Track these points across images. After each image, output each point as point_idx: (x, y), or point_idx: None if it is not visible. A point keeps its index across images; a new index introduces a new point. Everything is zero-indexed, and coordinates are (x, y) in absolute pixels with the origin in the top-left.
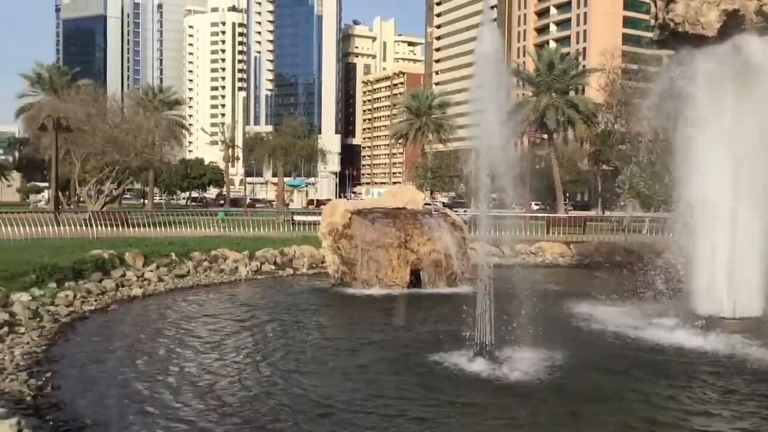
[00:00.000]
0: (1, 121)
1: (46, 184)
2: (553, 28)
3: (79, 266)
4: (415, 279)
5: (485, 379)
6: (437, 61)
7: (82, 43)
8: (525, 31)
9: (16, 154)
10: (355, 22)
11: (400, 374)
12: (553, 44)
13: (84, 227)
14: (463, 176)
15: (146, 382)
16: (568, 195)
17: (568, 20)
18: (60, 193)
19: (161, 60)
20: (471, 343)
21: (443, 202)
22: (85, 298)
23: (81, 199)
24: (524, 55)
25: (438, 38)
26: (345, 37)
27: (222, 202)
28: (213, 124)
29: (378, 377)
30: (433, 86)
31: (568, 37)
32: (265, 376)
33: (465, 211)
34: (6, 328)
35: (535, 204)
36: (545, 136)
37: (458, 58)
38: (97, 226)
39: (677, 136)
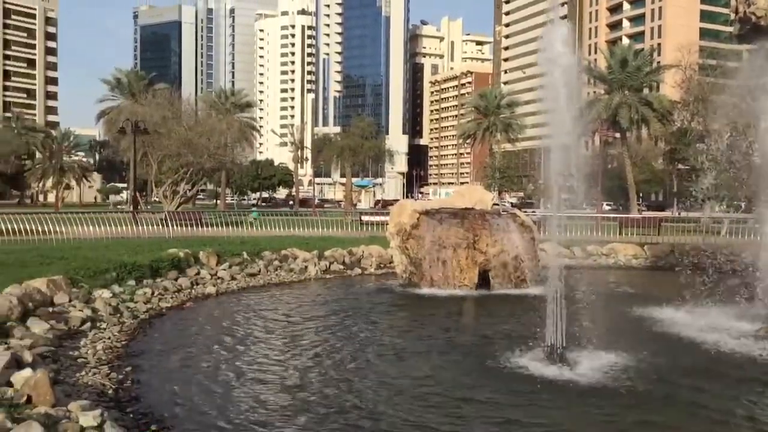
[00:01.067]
0: (84, 125)
1: (125, 185)
2: (626, 23)
3: (157, 264)
4: (484, 280)
5: (556, 383)
6: (506, 59)
7: (158, 49)
8: (596, 27)
9: (97, 156)
10: (423, 23)
11: (470, 377)
12: (626, 40)
13: (160, 227)
14: (532, 176)
15: (221, 377)
16: (641, 195)
17: (642, 16)
18: (138, 194)
19: (233, 63)
20: (541, 346)
21: (512, 203)
22: (162, 296)
23: (157, 200)
24: (596, 52)
25: (507, 37)
26: (412, 38)
27: (291, 202)
28: (283, 126)
29: (447, 379)
30: (502, 85)
31: (642, 33)
32: (333, 375)
33: (534, 212)
34: (89, 324)
35: (607, 204)
36: (617, 134)
37: (527, 56)
38: (172, 225)
39: (760, 134)
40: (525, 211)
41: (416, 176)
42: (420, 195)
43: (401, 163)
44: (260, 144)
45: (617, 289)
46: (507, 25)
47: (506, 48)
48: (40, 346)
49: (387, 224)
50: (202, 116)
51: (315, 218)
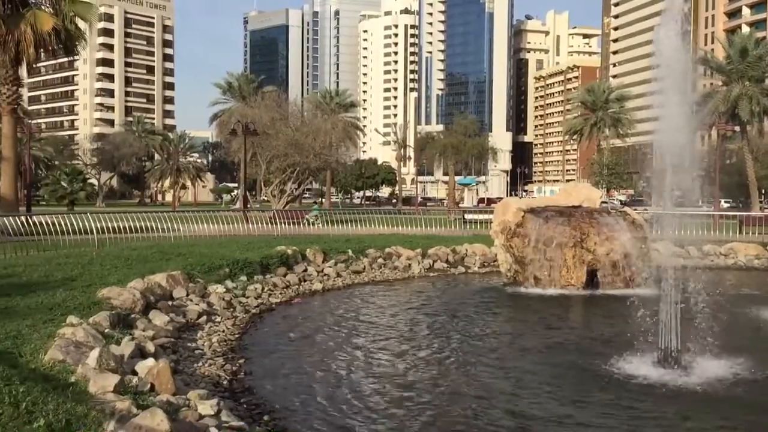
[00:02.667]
0: (198, 127)
1: (236, 185)
2: (746, 11)
3: (266, 261)
4: (591, 280)
5: (669, 388)
6: (615, 52)
7: (266, 52)
8: (713, 16)
9: (210, 157)
10: (527, 17)
11: (578, 380)
12: (745, 29)
13: (269, 225)
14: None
15: (330, 371)
16: (763, 192)
17: (764, 2)
18: (248, 193)
19: (338, 65)
20: (653, 349)
21: (621, 200)
22: (272, 291)
23: (265, 199)
24: (712, 42)
25: (616, 29)
26: (516, 33)
27: (394, 201)
28: (386, 125)
29: (555, 382)
30: (610, 79)
31: (764, 21)
32: (435, 372)
33: (645, 210)
34: (204, 317)
35: (725, 202)
36: (737, 128)
37: (638, 48)
38: (280, 223)
39: None
40: (635, 209)
41: (520, 174)
42: (524, 193)
43: (505, 161)
44: (364, 143)
45: (737, 290)
46: (616, 17)
47: (615, 40)
48: (161, 337)
49: (491, 222)
50: (308, 117)
51: (418, 216)
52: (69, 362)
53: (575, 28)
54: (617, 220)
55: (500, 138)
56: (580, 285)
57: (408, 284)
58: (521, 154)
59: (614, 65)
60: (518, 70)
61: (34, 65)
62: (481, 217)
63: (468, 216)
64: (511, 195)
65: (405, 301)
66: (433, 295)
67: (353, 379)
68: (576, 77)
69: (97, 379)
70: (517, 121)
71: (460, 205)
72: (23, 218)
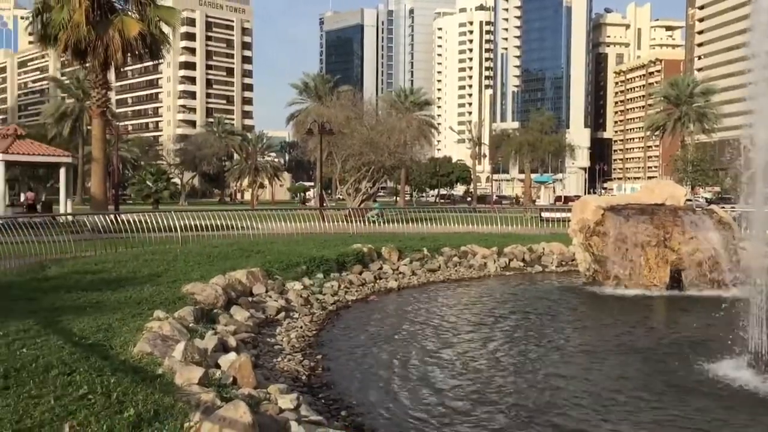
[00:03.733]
0: (276, 127)
1: (312, 184)
2: None
3: (342, 259)
4: (675, 280)
5: (761, 396)
6: (699, 45)
7: (341, 52)
8: None
9: (287, 156)
10: (607, 10)
11: (664, 384)
12: None
13: (344, 223)
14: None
15: (406, 368)
16: None
17: None
18: (323, 192)
19: (412, 63)
20: (743, 353)
21: (706, 198)
22: (348, 289)
23: (341, 197)
24: None
25: (701, 20)
26: (595, 27)
27: (469, 199)
28: (460, 123)
29: (639, 386)
30: (695, 72)
31: None
32: (516, 375)
33: (733, 208)
34: (283, 313)
35: None
36: None
37: (725, 40)
38: (355, 222)
39: None
40: (722, 207)
41: (599, 171)
42: (603, 190)
43: (583, 158)
44: (438, 141)
45: None
46: (701, 8)
47: (700, 32)
48: (242, 332)
49: (568, 221)
50: (383, 116)
51: (493, 215)
52: (156, 355)
53: (657, 20)
54: (703, 218)
55: (578, 134)
56: (663, 286)
57: (483, 283)
58: (600, 150)
59: (699, 58)
60: (597, 64)
61: (121, 69)
62: (558, 215)
63: (545, 214)
64: (589, 193)
65: (480, 299)
66: (509, 294)
67: (429, 377)
68: (658, 71)
69: (182, 372)
70: (596, 117)
71: (536, 203)
72: (112, 216)
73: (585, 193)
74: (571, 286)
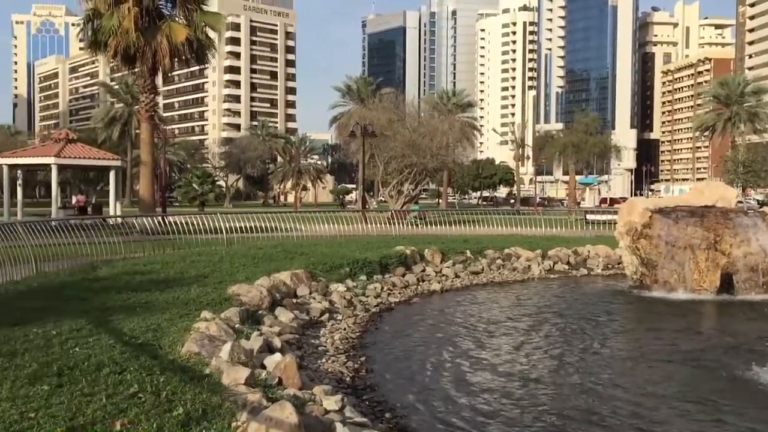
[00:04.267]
0: (319, 130)
1: (354, 186)
2: None
3: (385, 261)
4: (727, 284)
5: None
6: (750, 43)
7: (384, 55)
8: None
9: (329, 158)
10: (654, 9)
11: (719, 392)
12: None
13: (386, 225)
14: None
15: (449, 371)
16: None
17: None
18: (366, 194)
19: (454, 65)
20: None
21: (758, 200)
22: (391, 291)
23: (383, 199)
24: None
25: (752, 18)
26: (642, 26)
27: (512, 201)
28: (503, 124)
29: (693, 396)
30: (746, 71)
31: None
32: (562, 380)
33: None
34: (327, 315)
35: None
36: None
37: None
38: (397, 224)
39: None
40: None
41: (646, 173)
42: (650, 192)
43: (629, 159)
44: (481, 143)
45: None
46: (752, 5)
47: (751, 30)
48: (287, 333)
49: (614, 223)
50: (425, 118)
51: (537, 217)
52: (204, 355)
53: (707, 18)
54: (755, 220)
55: (624, 135)
56: (714, 290)
57: (527, 286)
58: (647, 151)
59: (750, 56)
60: (644, 64)
61: (168, 74)
62: (603, 217)
63: (590, 216)
64: (635, 194)
65: (525, 302)
66: (553, 297)
67: (473, 380)
68: (707, 70)
69: (229, 372)
70: (643, 117)
71: (580, 205)
72: (159, 218)
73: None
74: (617, 289)
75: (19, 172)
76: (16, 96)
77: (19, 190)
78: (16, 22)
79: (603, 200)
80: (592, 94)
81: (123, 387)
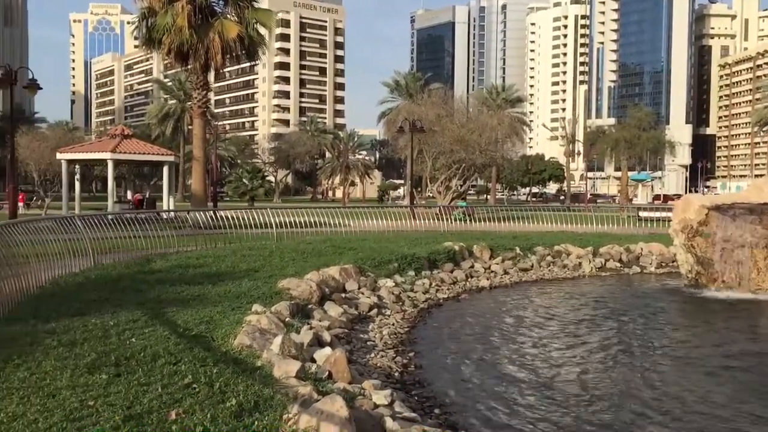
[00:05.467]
0: (367, 125)
1: (402, 182)
2: None
3: (434, 257)
4: None
5: None
6: None
7: (432, 50)
8: None
9: (377, 154)
10: (711, 1)
11: None
12: None
13: (434, 221)
14: None
15: (498, 368)
16: None
17: None
18: (414, 190)
19: (504, 59)
20: None
21: None
22: (439, 287)
23: (431, 195)
24: None
25: None
26: (698, 18)
27: (562, 197)
28: (553, 120)
29: (743, 399)
30: None
31: None
32: (613, 382)
33: None
34: (375, 310)
35: None
36: None
37: None
38: (445, 219)
39: None
40: None
41: (701, 169)
42: (706, 189)
43: (683, 155)
44: (530, 139)
45: None
46: None
47: None
48: (336, 327)
49: (668, 220)
50: (474, 113)
51: (588, 214)
52: (255, 347)
53: (767, 10)
54: None
55: (679, 131)
56: None
57: (578, 283)
58: (702, 147)
59: None
60: (700, 57)
61: (220, 71)
62: (657, 214)
63: (643, 213)
64: (690, 191)
65: (575, 300)
66: (605, 295)
67: (522, 378)
68: (767, 63)
69: (280, 365)
70: (698, 112)
71: (633, 202)
72: (211, 213)
73: (686, 192)
74: (671, 288)
75: (77, 166)
76: (73, 93)
77: (77, 184)
78: (74, 21)
79: (656, 197)
80: (645, 89)
81: (178, 377)
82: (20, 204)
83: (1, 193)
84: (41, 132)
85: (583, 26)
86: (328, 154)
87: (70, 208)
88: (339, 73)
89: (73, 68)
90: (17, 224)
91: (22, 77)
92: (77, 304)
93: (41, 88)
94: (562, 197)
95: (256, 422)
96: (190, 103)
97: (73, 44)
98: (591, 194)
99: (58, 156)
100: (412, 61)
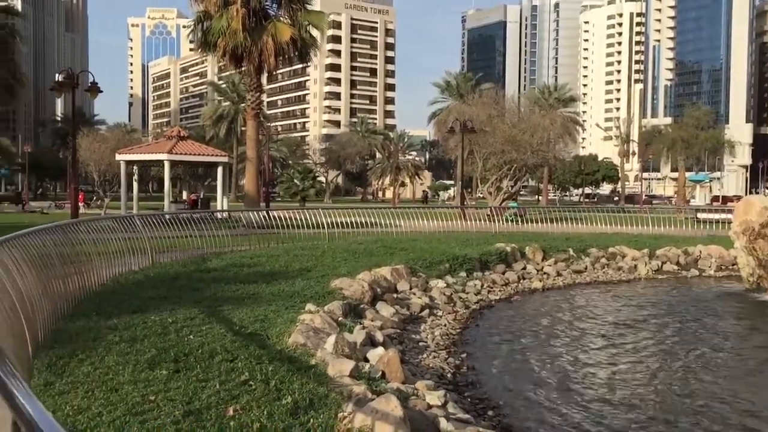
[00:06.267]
0: (417, 126)
1: (452, 182)
2: None
3: (485, 258)
4: None
5: None
6: None
7: (483, 50)
8: None
9: (427, 155)
10: None
11: None
12: None
13: (485, 222)
14: None
15: (551, 371)
16: None
17: None
18: (464, 191)
19: (556, 59)
20: None
21: None
22: (491, 288)
23: (481, 196)
24: None
25: None
26: (759, 15)
27: (616, 198)
28: (607, 119)
29: None
30: None
31: None
32: (667, 387)
33: None
34: (427, 311)
35: None
36: None
37: None
38: (497, 220)
39: None
40: None
41: (762, 169)
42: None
43: (744, 155)
44: (583, 139)
45: None
46: None
47: None
48: (388, 328)
49: (728, 222)
50: (526, 113)
51: (643, 215)
52: (309, 346)
53: None
54: None
55: (739, 130)
56: None
57: (634, 286)
58: (763, 147)
59: None
60: (761, 55)
61: (273, 73)
62: (716, 216)
63: (701, 215)
64: (750, 192)
65: (631, 303)
66: (662, 298)
67: (576, 382)
68: None
69: (334, 364)
70: (759, 111)
71: (690, 204)
72: (264, 213)
73: (746, 193)
74: (731, 292)
75: (135, 167)
76: (131, 95)
77: (135, 184)
78: (132, 25)
79: (715, 198)
80: (703, 87)
81: (234, 374)
82: (80, 204)
83: (62, 193)
84: (101, 134)
85: (638, 24)
86: (378, 155)
87: (128, 207)
88: (389, 74)
89: (131, 71)
90: (79, 223)
91: (84, 81)
92: (137, 302)
93: (102, 91)
94: (615, 198)
95: (311, 420)
96: (243, 104)
97: (131, 48)
98: (646, 195)
99: (117, 157)
100: (463, 61)
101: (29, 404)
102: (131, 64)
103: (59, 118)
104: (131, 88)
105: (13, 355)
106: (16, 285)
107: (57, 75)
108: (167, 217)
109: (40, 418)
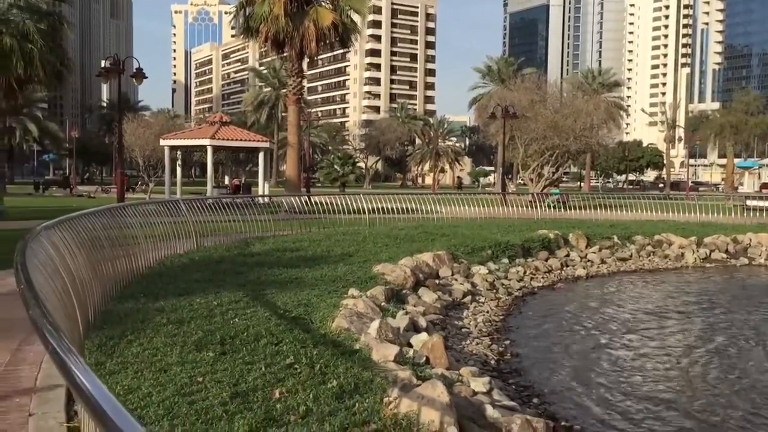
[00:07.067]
0: (456, 112)
1: (492, 168)
2: None
3: (528, 245)
4: None
5: None
6: None
7: (525, 34)
8: None
9: (467, 141)
10: None
11: None
12: None
13: (527, 208)
14: None
15: (596, 360)
16: None
17: None
18: (505, 177)
19: (600, 43)
20: None
21: None
22: (534, 275)
23: (522, 182)
24: None
25: None
26: None
27: (661, 185)
28: (652, 105)
29: None
30: None
31: None
32: (716, 378)
33: None
34: (469, 297)
35: None
36: None
37: None
38: (538, 207)
39: None
40: None
41: None
42: None
43: None
44: (627, 124)
45: None
46: None
47: None
48: (431, 313)
49: None
50: (568, 98)
51: (690, 202)
52: (353, 331)
53: None
54: None
55: None
56: None
57: (681, 274)
58: None
59: None
60: None
61: (314, 58)
62: (766, 204)
63: (750, 202)
64: None
65: (679, 292)
66: (711, 287)
67: (620, 370)
68: None
69: (378, 348)
70: None
71: (738, 190)
72: (305, 198)
73: None
74: None
75: (178, 152)
76: (174, 81)
77: (179, 169)
78: (175, 12)
79: (764, 185)
80: (753, 71)
81: (280, 357)
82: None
83: (108, 178)
84: (145, 119)
85: (686, 6)
86: (418, 141)
87: (172, 192)
88: (430, 59)
89: (174, 58)
90: (126, 207)
91: (129, 67)
92: (183, 284)
93: (147, 77)
94: (661, 185)
95: (356, 404)
96: (284, 90)
97: (174, 35)
98: (692, 182)
99: (161, 142)
100: (504, 46)
101: (86, 379)
102: (174, 50)
103: (105, 104)
104: (174, 74)
105: (68, 334)
106: (68, 267)
107: (103, 61)
108: (210, 201)
109: (97, 392)
